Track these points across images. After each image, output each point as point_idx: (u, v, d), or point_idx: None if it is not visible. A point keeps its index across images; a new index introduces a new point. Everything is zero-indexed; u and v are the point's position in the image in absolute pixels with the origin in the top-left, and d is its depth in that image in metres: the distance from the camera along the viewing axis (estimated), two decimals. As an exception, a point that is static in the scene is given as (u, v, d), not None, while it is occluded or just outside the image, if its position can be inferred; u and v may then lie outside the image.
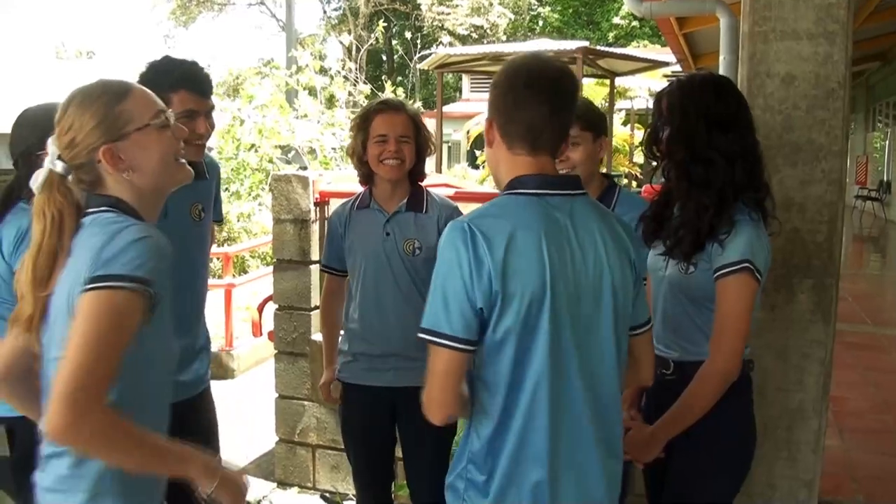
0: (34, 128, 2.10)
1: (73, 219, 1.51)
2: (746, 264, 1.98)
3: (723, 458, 2.14)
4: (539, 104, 1.62)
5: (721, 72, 6.91)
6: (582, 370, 1.60)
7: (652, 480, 2.38)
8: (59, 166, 1.52)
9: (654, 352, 1.85)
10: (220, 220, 2.81)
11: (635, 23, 29.50)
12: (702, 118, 2.06)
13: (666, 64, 13.26)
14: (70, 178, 1.53)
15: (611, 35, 30.89)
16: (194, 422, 2.33)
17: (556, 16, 32.41)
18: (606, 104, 13.69)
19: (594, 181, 2.54)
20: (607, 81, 13.90)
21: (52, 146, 1.54)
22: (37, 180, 1.52)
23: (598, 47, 14.92)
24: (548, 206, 1.61)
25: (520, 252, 1.53)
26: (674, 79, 2.27)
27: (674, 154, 2.13)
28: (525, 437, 1.59)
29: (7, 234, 2.10)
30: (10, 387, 1.70)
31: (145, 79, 2.27)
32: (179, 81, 2.30)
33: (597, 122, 2.52)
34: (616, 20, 30.81)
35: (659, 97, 2.20)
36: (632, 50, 20.83)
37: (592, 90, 15.51)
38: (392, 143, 2.59)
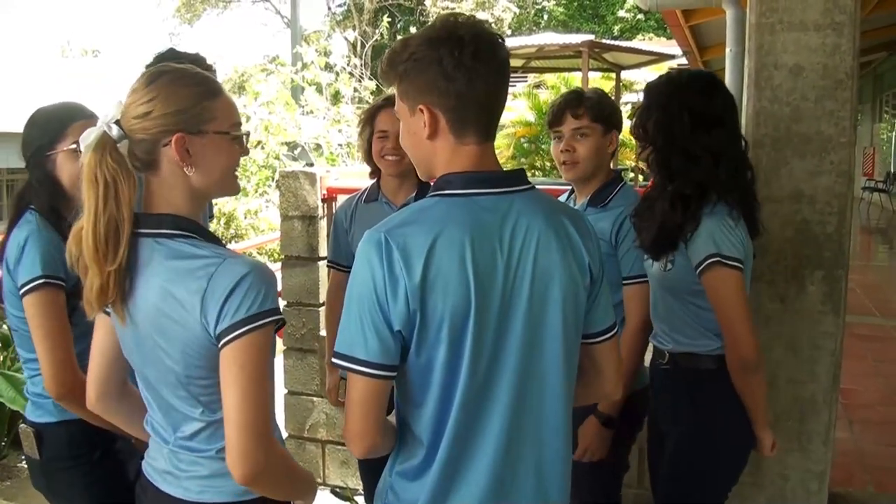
0: (44, 128, 2.07)
1: (130, 189, 1.42)
2: (714, 258, 2.02)
3: (717, 442, 2.18)
4: (488, 76, 1.41)
5: (727, 64, 6.89)
6: (517, 387, 1.42)
7: (652, 472, 2.43)
8: (115, 131, 1.43)
9: (620, 361, 1.63)
10: (210, 216, 2.81)
11: (640, 16, 29.41)
12: (686, 112, 2.09)
13: (672, 57, 13.21)
14: (121, 146, 1.44)
15: (616, 28, 30.81)
16: None
17: (560, 9, 32.31)
18: (612, 97, 13.65)
19: (600, 175, 2.51)
20: (613, 75, 13.87)
21: (113, 109, 1.45)
22: (87, 139, 1.42)
23: (604, 41, 14.87)
24: (477, 207, 1.40)
25: (440, 266, 1.34)
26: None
27: (655, 142, 2.17)
28: (451, 466, 1.42)
29: (10, 248, 2.00)
30: (107, 403, 1.67)
31: None
32: None
33: (608, 115, 2.47)
34: (621, 13, 30.72)
35: (648, 87, 2.24)
36: (637, 43, 20.77)
37: (598, 84, 15.47)
38: (392, 140, 2.59)
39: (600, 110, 2.45)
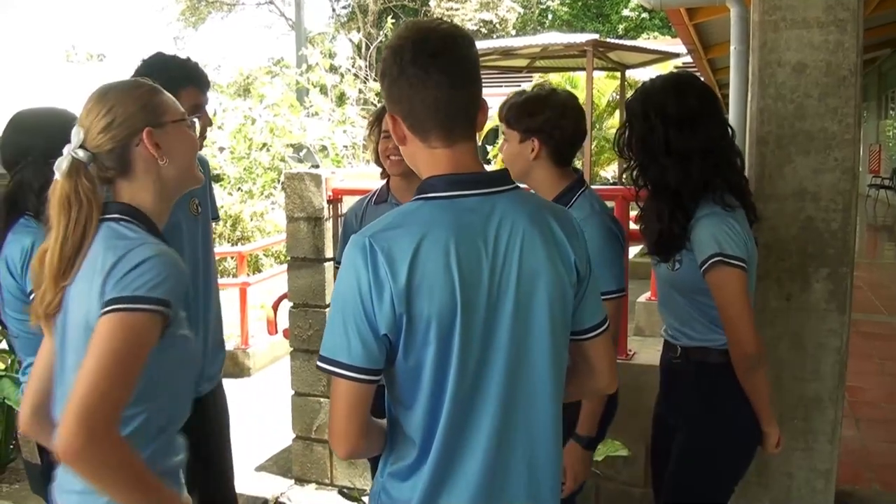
0: (54, 135, 1.91)
1: (98, 209, 1.50)
2: (717, 258, 2.05)
3: (724, 440, 2.21)
4: (430, 80, 1.39)
5: (732, 62, 6.89)
6: (506, 386, 1.42)
7: (654, 466, 2.43)
8: (83, 154, 1.51)
9: (613, 357, 1.63)
10: (216, 217, 2.78)
11: (645, 14, 29.41)
12: (659, 119, 2.13)
13: (676, 55, 13.20)
14: (90, 168, 1.52)
15: (620, 27, 30.79)
16: (197, 424, 2.19)
17: (565, 9, 32.30)
18: (617, 97, 13.65)
19: (538, 180, 2.34)
20: (618, 74, 13.87)
21: (76, 134, 1.52)
22: (61, 167, 1.49)
23: (608, 40, 14.85)
24: (460, 209, 1.40)
25: (425, 269, 1.34)
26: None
27: (636, 157, 2.23)
28: (443, 466, 1.42)
29: (12, 253, 2.01)
30: (39, 423, 1.64)
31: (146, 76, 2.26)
32: (187, 78, 2.33)
33: (522, 122, 2.30)
34: (625, 12, 30.71)
35: (626, 104, 2.28)
36: (642, 42, 20.79)
37: (603, 83, 15.48)
38: (393, 140, 2.60)
39: (514, 117, 2.32)
